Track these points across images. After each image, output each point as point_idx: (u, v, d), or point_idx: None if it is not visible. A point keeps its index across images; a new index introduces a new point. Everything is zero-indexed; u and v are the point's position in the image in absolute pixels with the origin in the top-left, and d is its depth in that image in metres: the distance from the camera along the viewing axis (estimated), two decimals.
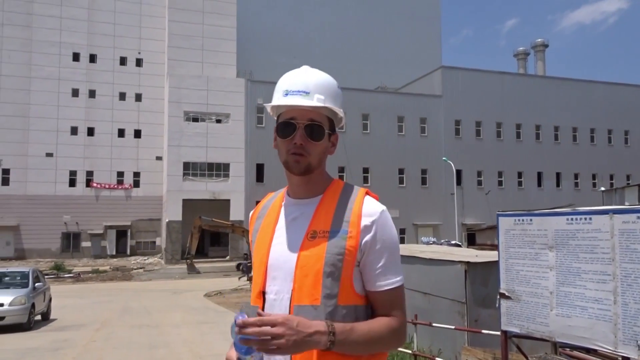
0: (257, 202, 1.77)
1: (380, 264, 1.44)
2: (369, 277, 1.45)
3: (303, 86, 1.47)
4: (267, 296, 1.46)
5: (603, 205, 16.75)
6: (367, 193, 1.52)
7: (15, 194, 42.35)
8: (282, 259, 1.45)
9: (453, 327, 6.42)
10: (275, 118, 1.56)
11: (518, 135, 47.50)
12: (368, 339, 1.37)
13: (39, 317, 13.59)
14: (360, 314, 1.44)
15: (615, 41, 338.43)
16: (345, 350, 1.35)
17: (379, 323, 1.42)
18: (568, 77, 51.36)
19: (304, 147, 1.46)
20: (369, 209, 1.46)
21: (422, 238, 35.21)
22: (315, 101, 1.45)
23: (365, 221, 1.44)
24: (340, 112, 1.51)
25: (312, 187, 1.52)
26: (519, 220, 4.18)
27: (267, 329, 1.22)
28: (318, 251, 1.41)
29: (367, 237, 1.43)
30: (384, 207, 1.49)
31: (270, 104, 1.52)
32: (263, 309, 1.45)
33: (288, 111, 1.49)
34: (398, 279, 1.47)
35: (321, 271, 1.39)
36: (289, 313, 1.39)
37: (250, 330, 1.22)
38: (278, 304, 1.42)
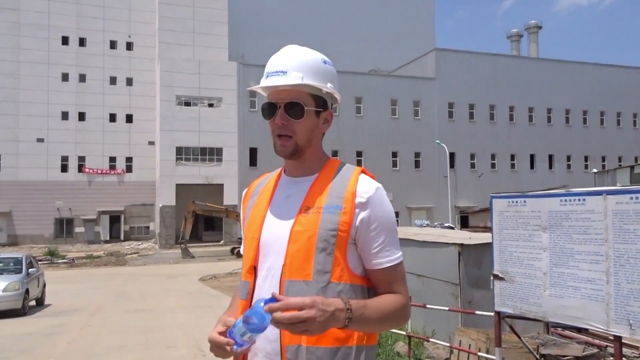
0: None
1: (378, 242, 1.43)
2: (367, 255, 1.44)
3: (281, 66, 1.47)
4: (258, 272, 1.47)
5: (595, 186, 16.87)
6: (363, 171, 1.51)
7: (7, 180, 42.04)
8: (274, 235, 1.45)
9: (447, 308, 6.47)
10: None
11: (511, 118, 47.58)
12: (381, 315, 1.38)
13: (33, 303, 13.59)
14: (358, 293, 1.43)
15: (611, 22, 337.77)
16: (360, 327, 1.35)
17: (389, 299, 1.43)
18: (562, 58, 51.20)
19: (286, 127, 1.46)
20: (364, 186, 1.45)
21: (416, 221, 35.42)
22: (292, 79, 1.44)
23: (360, 198, 1.43)
24: (324, 87, 1.48)
25: (308, 165, 1.52)
26: (512, 202, 4.18)
27: (298, 314, 1.21)
28: (311, 226, 1.40)
29: (363, 214, 1.42)
30: (379, 185, 1.48)
31: (251, 88, 1.54)
32: (254, 285, 1.46)
33: (271, 93, 1.50)
34: (398, 255, 1.47)
35: (314, 246, 1.39)
36: (279, 288, 1.39)
37: (280, 316, 1.20)
38: (270, 280, 1.43)
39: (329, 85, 1.50)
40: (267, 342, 1.40)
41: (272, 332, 1.35)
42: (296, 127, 1.46)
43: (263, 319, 1.23)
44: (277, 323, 1.21)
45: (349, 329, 1.32)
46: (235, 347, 1.30)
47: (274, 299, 1.24)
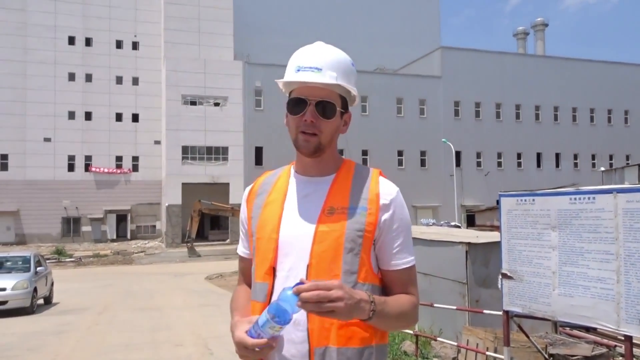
0: None
1: (397, 243, 1.46)
2: (386, 256, 1.46)
3: (315, 62, 1.43)
4: (278, 273, 1.43)
5: (603, 185, 16.76)
6: (380, 174, 1.53)
7: (15, 179, 42.29)
8: (295, 235, 1.43)
9: (454, 307, 6.45)
10: (287, 94, 1.53)
11: (517, 116, 47.35)
12: (398, 313, 1.40)
13: (41, 301, 13.67)
14: (377, 293, 1.44)
15: (619, 19, 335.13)
16: (379, 323, 1.36)
17: (405, 299, 1.45)
18: (569, 56, 50.90)
19: (314, 125, 1.43)
20: (386, 188, 1.48)
21: (422, 220, 35.31)
22: (327, 78, 1.42)
23: (383, 200, 1.45)
24: (353, 90, 1.48)
25: (325, 165, 1.50)
26: (521, 200, 4.16)
27: (326, 292, 1.21)
28: (338, 227, 1.40)
29: (386, 216, 1.44)
30: (398, 188, 1.51)
31: (281, 79, 1.48)
32: (273, 286, 1.43)
33: (300, 88, 1.45)
34: (412, 257, 1.50)
35: (342, 247, 1.38)
36: None
37: (309, 294, 1.20)
38: (292, 280, 1.39)
39: (354, 88, 1.50)
40: (293, 345, 1.37)
41: (298, 334, 1.36)
42: (324, 126, 1.44)
43: (291, 302, 1.22)
44: (304, 303, 1.20)
45: (370, 322, 1.33)
46: (263, 335, 1.27)
47: (301, 284, 1.24)
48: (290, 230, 1.44)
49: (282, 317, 1.24)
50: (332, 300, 1.21)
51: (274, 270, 1.43)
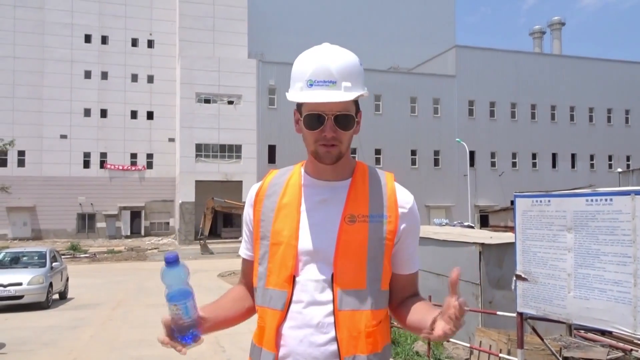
0: None
1: (412, 248, 1.50)
2: (401, 262, 1.49)
3: (328, 74, 1.36)
4: (297, 280, 1.40)
5: (619, 186, 16.54)
6: (393, 179, 1.55)
7: (31, 175, 42.89)
8: (317, 243, 1.40)
9: (467, 308, 6.40)
10: (296, 103, 1.48)
11: (533, 116, 46.87)
12: None
13: (56, 296, 13.81)
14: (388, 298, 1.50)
15: (638, 18, 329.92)
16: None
17: (425, 303, 1.50)
18: (585, 55, 50.22)
19: (334, 138, 1.40)
20: (404, 196, 1.50)
21: (435, 220, 35.14)
22: (344, 93, 1.36)
23: (402, 209, 1.47)
24: (366, 93, 1.45)
25: (341, 169, 1.47)
26: (536, 201, 4.12)
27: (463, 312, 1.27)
28: (360, 236, 1.40)
29: (405, 224, 1.46)
30: (413, 196, 1.54)
31: (295, 98, 1.41)
32: (292, 294, 1.40)
33: (315, 103, 1.39)
34: (418, 261, 1.57)
35: (365, 255, 1.39)
36: (333, 298, 1.37)
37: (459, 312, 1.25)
38: (312, 288, 1.38)
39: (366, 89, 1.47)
40: (316, 348, 1.36)
41: (322, 337, 1.36)
42: (343, 136, 1.41)
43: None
44: (456, 323, 1.25)
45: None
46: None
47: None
48: (310, 238, 1.41)
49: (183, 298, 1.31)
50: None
51: (293, 278, 1.40)
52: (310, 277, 1.39)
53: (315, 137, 1.41)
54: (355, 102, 1.46)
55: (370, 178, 1.50)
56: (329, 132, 1.39)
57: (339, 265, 1.38)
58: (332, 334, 1.35)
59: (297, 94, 1.39)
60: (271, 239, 1.45)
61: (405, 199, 1.49)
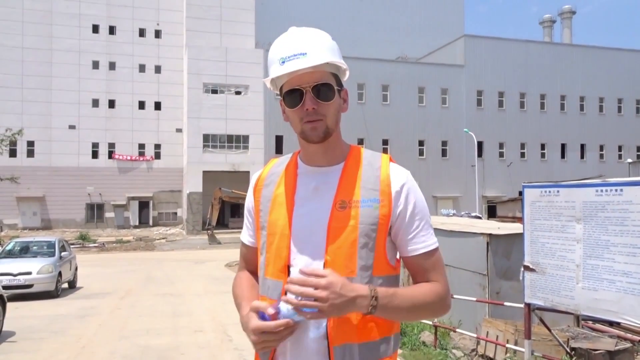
0: None
1: (412, 227, 1.41)
2: (403, 242, 1.42)
3: (298, 48, 1.35)
4: (292, 270, 1.39)
5: (629, 177, 16.37)
6: (390, 159, 1.48)
7: (41, 166, 43.20)
8: (307, 231, 1.39)
9: (474, 299, 6.39)
10: (278, 91, 1.46)
11: (542, 106, 46.46)
12: (411, 304, 1.35)
13: (65, 285, 13.97)
14: (393, 284, 1.41)
15: None
16: (388, 315, 1.33)
17: (423, 288, 1.40)
18: (596, 44, 49.61)
19: (317, 111, 1.37)
20: (397, 174, 1.43)
21: (442, 210, 35.03)
22: (316, 59, 1.34)
23: (395, 187, 1.40)
24: (343, 64, 1.42)
25: (332, 153, 1.45)
26: (545, 191, 4.07)
27: (310, 290, 1.21)
28: (351, 222, 1.36)
29: (399, 203, 1.40)
30: (408, 171, 1.46)
31: (268, 77, 1.41)
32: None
33: (290, 79, 1.38)
34: (433, 241, 1.44)
35: (356, 242, 1.35)
36: None
37: (293, 288, 1.22)
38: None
39: (343, 62, 1.44)
40: (311, 341, 1.35)
41: (314, 331, 1.34)
42: (326, 109, 1.38)
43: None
44: (286, 301, 1.22)
45: (376, 316, 1.31)
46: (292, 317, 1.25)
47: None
48: (302, 226, 1.39)
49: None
50: (316, 300, 1.21)
51: (288, 268, 1.39)
52: (302, 266, 1.37)
53: (299, 115, 1.38)
54: (336, 76, 1.43)
55: (364, 161, 1.45)
56: (309, 105, 1.36)
57: (329, 253, 1.35)
58: (323, 322, 1.34)
59: (272, 73, 1.41)
60: (268, 229, 1.45)
61: (398, 176, 1.42)
